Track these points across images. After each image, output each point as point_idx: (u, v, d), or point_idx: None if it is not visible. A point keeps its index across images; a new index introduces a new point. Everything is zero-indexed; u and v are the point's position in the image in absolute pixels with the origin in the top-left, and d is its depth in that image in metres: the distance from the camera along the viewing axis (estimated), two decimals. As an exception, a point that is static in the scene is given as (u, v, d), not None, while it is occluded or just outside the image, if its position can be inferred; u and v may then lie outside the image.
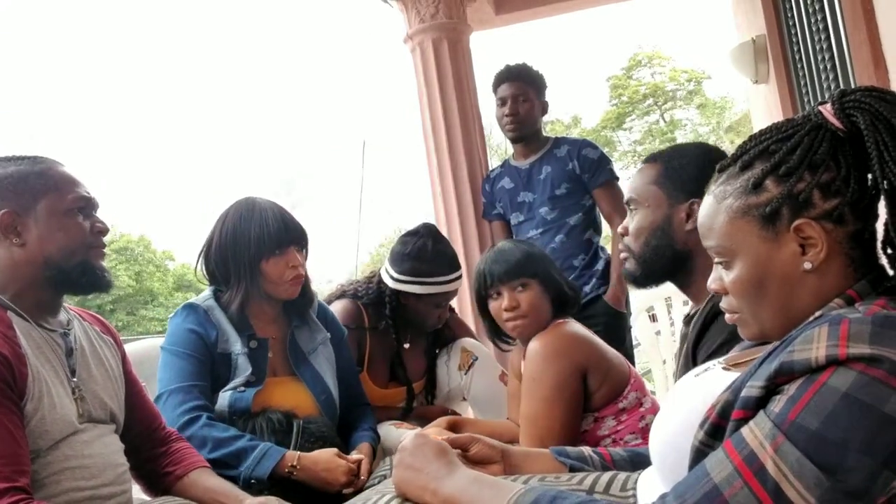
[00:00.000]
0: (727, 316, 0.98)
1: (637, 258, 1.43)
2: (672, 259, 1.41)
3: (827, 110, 0.89)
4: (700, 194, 1.36)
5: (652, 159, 1.46)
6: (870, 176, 0.88)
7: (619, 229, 1.50)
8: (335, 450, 1.74)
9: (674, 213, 1.40)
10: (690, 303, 1.48)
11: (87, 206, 1.42)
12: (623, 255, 1.48)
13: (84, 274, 1.40)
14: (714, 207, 0.95)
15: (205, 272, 1.93)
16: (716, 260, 0.96)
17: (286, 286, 1.87)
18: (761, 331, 0.94)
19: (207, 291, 1.93)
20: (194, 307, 1.87)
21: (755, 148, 0.92)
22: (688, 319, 1.45)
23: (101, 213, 1.46)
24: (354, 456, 1.78)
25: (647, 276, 1.45)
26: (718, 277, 0.96)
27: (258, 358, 1.85)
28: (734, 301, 0.94)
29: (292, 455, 1.68)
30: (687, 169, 1.40)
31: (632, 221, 1.45)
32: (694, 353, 1.36)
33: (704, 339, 1.35)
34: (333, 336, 2.03)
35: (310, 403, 1.88)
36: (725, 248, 0.93)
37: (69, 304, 1.50)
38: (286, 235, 1.86)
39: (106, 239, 1.46)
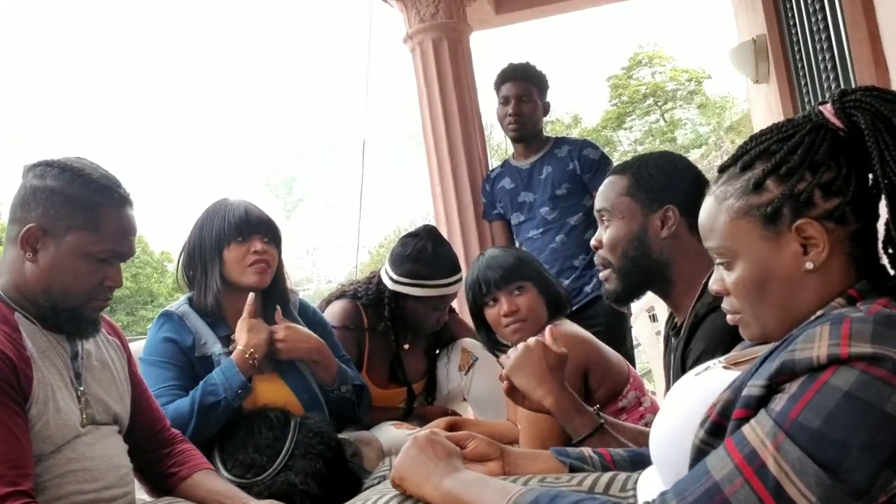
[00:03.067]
0: (729, 317, 0.98)
1: (617, 271, 1.45)
2: (650, 268, 1.42)
3: (827, 110, 0.89)
4: (672, 201, 1.40)
5: (620, 170, 1.48)
6: (870, 175, 0.88)
7: (593, 242, 1.50)
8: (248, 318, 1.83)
9: (649, 222, 1.42)
10: (675, 314, 1.49)
11: (115, 256, 1.38)
12: (602, 272, 1.48)
13: (70, 321, 1.37)
14: (715, 208, 0.94)
15: (185, 277, 1.95)
16: (717, 261, 0.96)
17: (248, 272, 1.87)
18: (763, 331, 0.94)
19: (182, 298, 1.94)
20: (169, 315, 1.88)
21: (756, 148, 0.92)
22: (675, 330, 1.46)
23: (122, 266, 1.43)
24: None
25: (629, 290, 1.47)
26: (720, 278, 0.96)
27: None
28: (736, 302, 0.94)
29: (239, 353, 1.78)
30: (657, 178, 1.42)
31: (605, 234, 1.46)
32: (683, 362, 1.38)
33: (689, 347, 1.36)
34: (317, 330, 2.03)
35: (295, 401, 1.89)
36: (727, 248, 0.93)
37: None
38: (247, 223, 1.88)
39: None
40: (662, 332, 1.61)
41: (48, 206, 1.30)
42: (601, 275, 1.50)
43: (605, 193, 1.47)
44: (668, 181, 1.42)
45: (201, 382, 1.77)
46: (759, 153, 0.92)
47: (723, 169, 0.96)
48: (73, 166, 1.33)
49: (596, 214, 1.50)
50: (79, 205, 1.31)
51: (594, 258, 1.52)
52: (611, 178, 1.48)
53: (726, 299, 0.96)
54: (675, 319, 1.48)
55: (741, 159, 0.93)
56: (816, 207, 0.87)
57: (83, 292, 1.35)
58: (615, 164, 3.01)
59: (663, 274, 1.43)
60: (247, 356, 1.77)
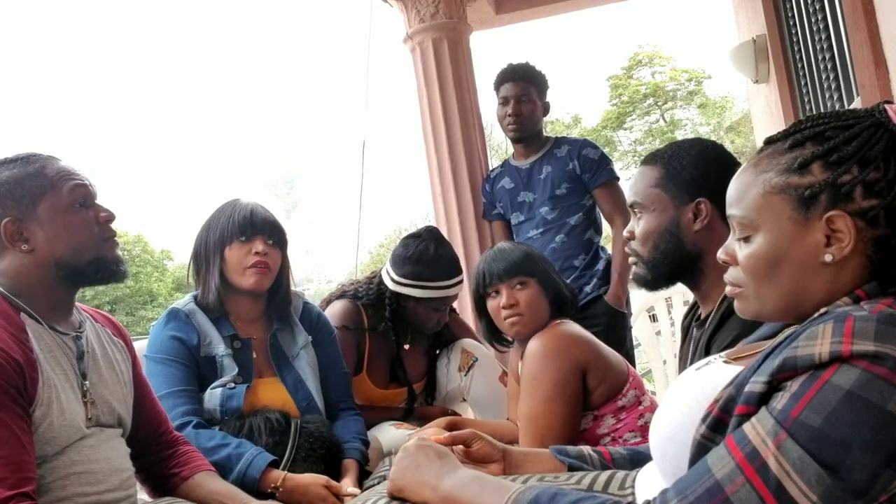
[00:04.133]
0: (728, 288, 0.97)
1: (646, 263, 1.42)
2: (682, 261, 1.40)
3: (892, 109, 0.88)
4: (704, 193, 1.37)
5: (652, 160, 1.45)
6: None
7: (625, 233, 1.48)
8: (325, 478, 1.69)
9: (680, 215, 1.39)
10: (700, 304, 1.47)
11: (87, 196, 1.40)
12: (632, 259, 1.46)
13: (98, 270, 1.40)
14: (751, 178, 0.93)
15: (194, 275, 1.95)
16: (736, 232, 0.95)
17: (246, 274, 1.86)
18: (759, 310, 0.93)
19: (188, 296, 1.94)
20: (176, 313, 1.88)
21: (810, 129, 0.91)
22: (699, 322, 1.44)
23: (102, 201, 1.44)
24: (346, 486, 1.71)
25: (658, 280, 1.44)
26: (731, 248, 0.95)
27: (243, 358, 1.86)
28: (741, 275, 0.93)
29: (277, 475, 1.66)
30: (688, 169, 1.39)
31: (637, 226, 1.43)
32: (707, 350, 1.35)
33: (718, 335, 1.33)
34: (321, 335, 2.03)
35: (292, 404, 1.88)
36: (750, 220, 0.92)
37: (79, 301, 1.49)
38: (251, 223, 1.88)
39: None
40: (680, 323, 1.58)
41: (1, 200, 1.33)
42: (630, 259, 1.47)
43: (637, 185, 1.44)
44: (699, 173, 1.38)
45: (232, 445, 1.68)
46: (813, 135, 0.90)
47: (769, 142, 0.95)
48: None
49: (628, 206, 1.47)
50: (24, 180, 1.34)
51: (626, 248, 1.49)
52: (642, 169, 1.45)
53: (730, 270, 0.95)
54: (699, 310, 1.45)
55: (792, 136, 0.92)
56: (853, 203, 0.86)
57: (88, 239, 1.38)
58: (615, 164, 3.03)
59: (695, 266, 1.40)
60: (270, 489, 1.65)
